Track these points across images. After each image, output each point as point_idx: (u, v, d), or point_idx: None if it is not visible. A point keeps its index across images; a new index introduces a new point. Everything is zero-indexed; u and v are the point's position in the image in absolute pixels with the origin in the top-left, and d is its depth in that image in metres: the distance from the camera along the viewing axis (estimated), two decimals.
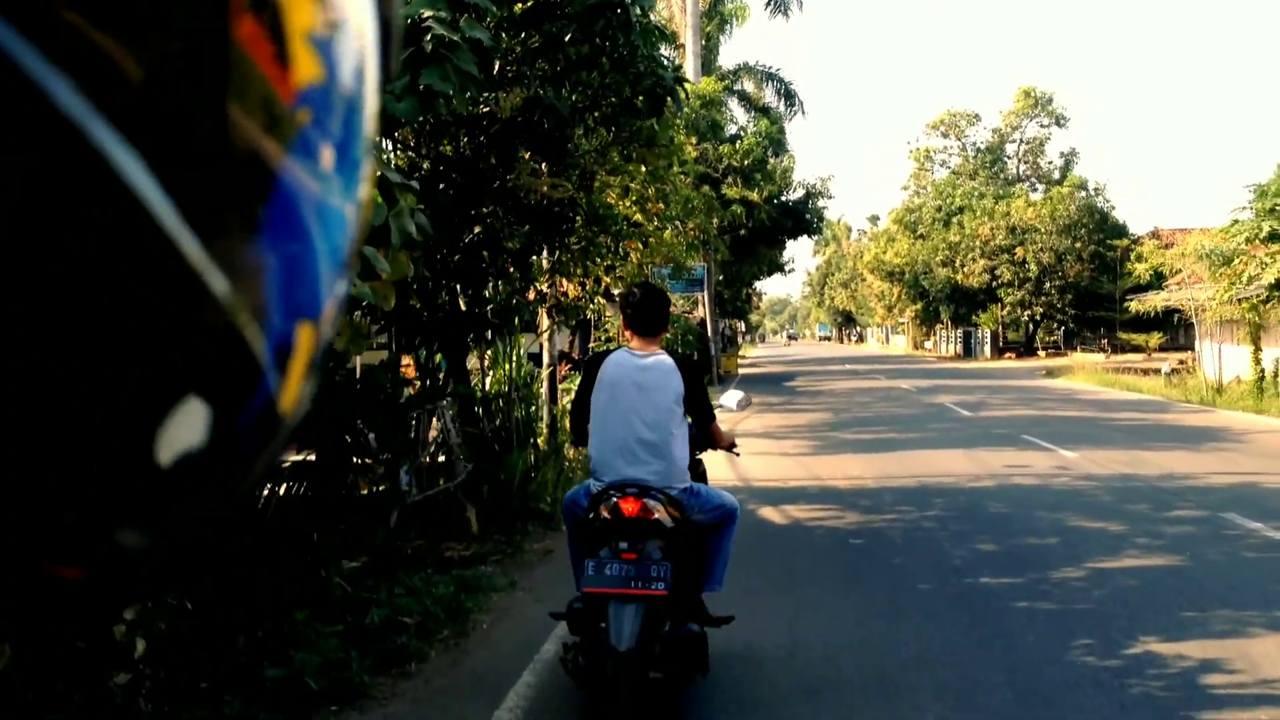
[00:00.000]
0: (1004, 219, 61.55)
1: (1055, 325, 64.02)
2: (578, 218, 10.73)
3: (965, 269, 62.21)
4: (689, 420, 5.47)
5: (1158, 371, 37.56)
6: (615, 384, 5.28)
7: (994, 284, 61.48)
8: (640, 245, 14.73)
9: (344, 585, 7.16)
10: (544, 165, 10.31)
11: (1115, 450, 16.65)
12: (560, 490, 11.64)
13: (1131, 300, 44.01)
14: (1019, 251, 60.12)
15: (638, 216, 13.51)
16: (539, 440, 13.30)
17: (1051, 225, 59.99)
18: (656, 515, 4.97)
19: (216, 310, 0.47)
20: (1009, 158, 77.15)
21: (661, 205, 13.27)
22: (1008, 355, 62.65)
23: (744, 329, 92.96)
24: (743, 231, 38.44)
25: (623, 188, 12.81)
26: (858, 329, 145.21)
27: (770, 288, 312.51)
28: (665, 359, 5.37)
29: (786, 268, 67.20)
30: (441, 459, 11.30)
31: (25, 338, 0.41)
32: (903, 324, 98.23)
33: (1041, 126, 75.87)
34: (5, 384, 0.42)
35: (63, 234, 0.42)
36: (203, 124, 0.47)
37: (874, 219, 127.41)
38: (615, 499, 4.99)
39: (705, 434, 5.72)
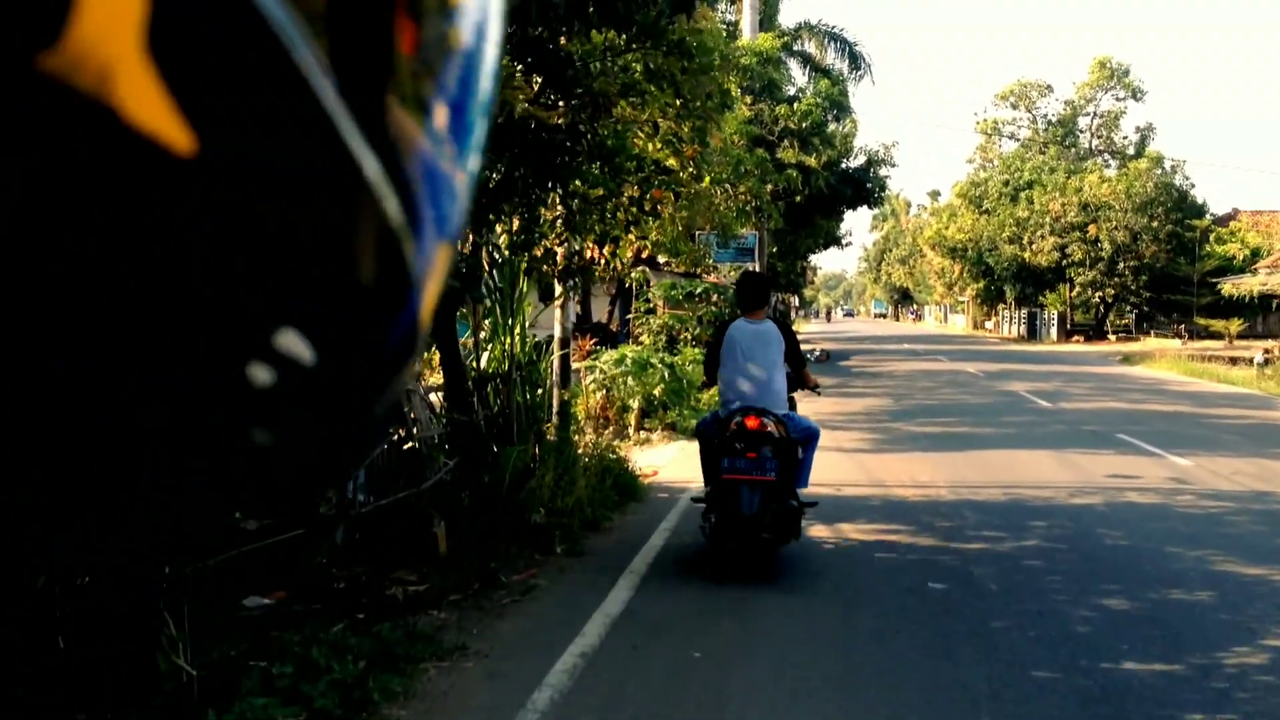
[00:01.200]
0: (1076, 195, 58.28)
1: (1128, 308, 60.70)
2: (579, 152, 8.27)
3: (1034, 246, 59.03)
4: (788, 367, 7.94)
5: (1246, 361, 34.54)
6: (738, 342, 7.82)
7: (1064, 263, 58.27)
8: (672, 197, 12.26)
9: (186, 669, 4.80)
10: (534, 80, 7.90)
11: (1234, 458, 14.01)
12: (561, 498, 9.27)
13: (1222, 283, 40.81)
14: (1091, 229, 56.87)
15: (671, 161, 11.00)
16: (546, 429, 10.93)
17: (1127, 203, 56.66)
18: (769, 429, 7.44)
19: (390, 230, 0.54)
20: (1081, 131, 73.60)
21: (698, 147, 10.73)
22: (1075, 338, 59.47)
23: (797, 304, 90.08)
24: (798, 199, 35.72)
25: (651, 123, 10.31)
26: (914, 307, 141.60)
27: (825, 262, 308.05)
28: (770, 325, 7.93)
29: (844, 241, 64.31)
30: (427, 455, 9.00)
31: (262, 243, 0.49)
32: (962, 303, 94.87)
33: (1117, 99, 72.23)
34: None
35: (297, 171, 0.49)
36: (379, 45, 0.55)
37: (935, 194, 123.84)
38: (741, 417, 7.44)
39: (799, 376, 8.28)
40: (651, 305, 26.20)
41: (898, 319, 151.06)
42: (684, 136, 10.65)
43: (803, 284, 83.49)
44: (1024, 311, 68.19)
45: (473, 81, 0.64)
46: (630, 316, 28.08)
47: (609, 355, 16.12)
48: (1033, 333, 65.18)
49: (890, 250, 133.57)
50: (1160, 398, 23.33)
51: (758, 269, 38.93)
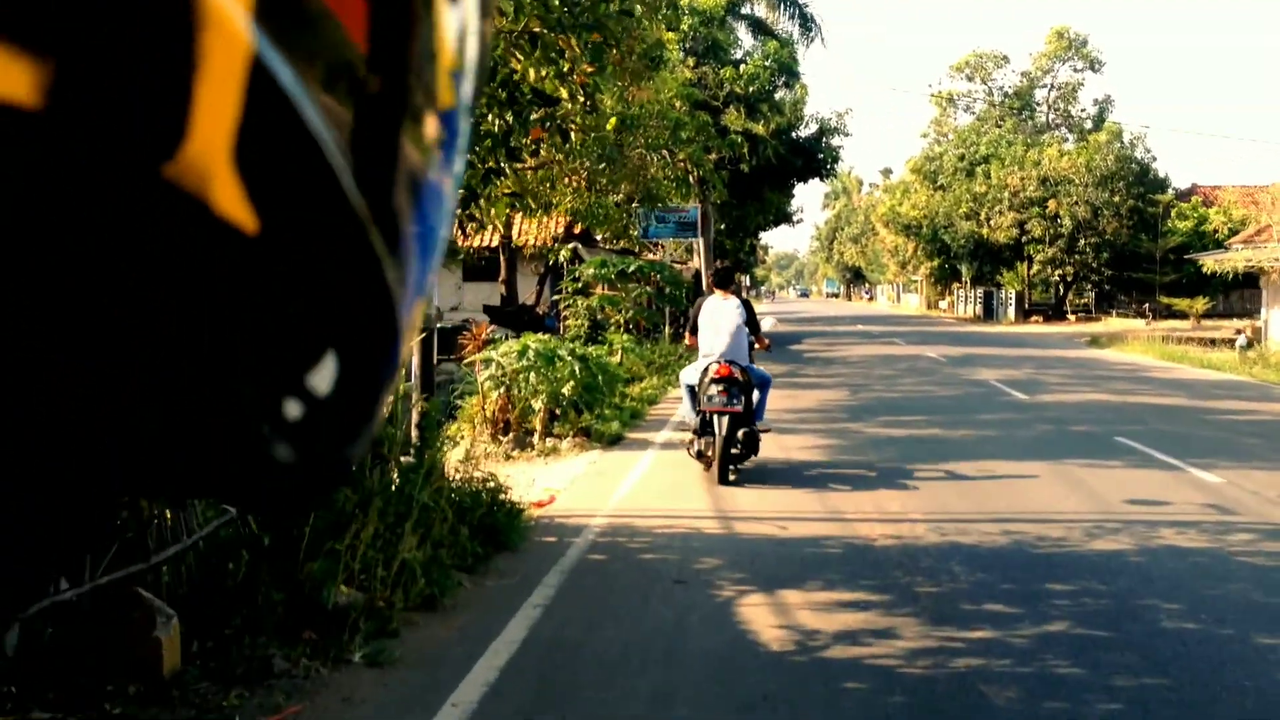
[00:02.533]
0: (1035, 169, 55.94)
1: (1088, 287, 58.54)
2: None
3: (991, 223, 56.67)
4: (748, 331, 10.99)
5: (1225, 343, 32.23)
6: (712, 311, 10.99)
7: (1023, 240, 55.96)
8: (560, 140, 9.42)
9: None
10: None
11: (1272, 471, 11.41)
12: (384, 564, 6.40)
13: (1202, 258, 38.40)
14: (1051, 205, 54.57)
15: (559, 91, 8.13)
16: (393, 453, 8.05)
17: (1087, 177, 54.39)
18: (734, 374, 10.58)
19: (388, 294, 0.66)
20: (1038, 104, 71.34)
21: (591, 67, 7.84)
22: (1034, 319, 57.24)
23: (749, 284, 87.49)
24: (745, 168, 33.01)
25: (527, 35, 7.44)
26: (867, 286, 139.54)
27: (776, 241, 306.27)
28: (735, 299, 11.10)
29: (795, 218, 61.86)
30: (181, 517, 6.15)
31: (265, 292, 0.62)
32: (915, 282, 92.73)
33: (1075, 71, 69.98)
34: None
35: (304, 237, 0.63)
36: (384, 149, 0.68)
37: (887, 172, 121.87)
38: (715, 366, 10.60)
39: (756, 336, 11.31)
40: (581, 285, 23.34)
41: (850, 298, 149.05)
42: (576, 53, 7.77)
43: (753, 263, 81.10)
44: (979, 291, 65.92)
45: (463, 89, 0.76)
46: (556, 298, 25.22)
47: (508, 346, 13.27)
48: (989, 313, 62.90)
49: (842, 229, 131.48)
50: (1147, 387, 20.80)
51: (702, 245, 36.21)
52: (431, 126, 0.72)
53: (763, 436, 11.12)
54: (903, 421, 15.54)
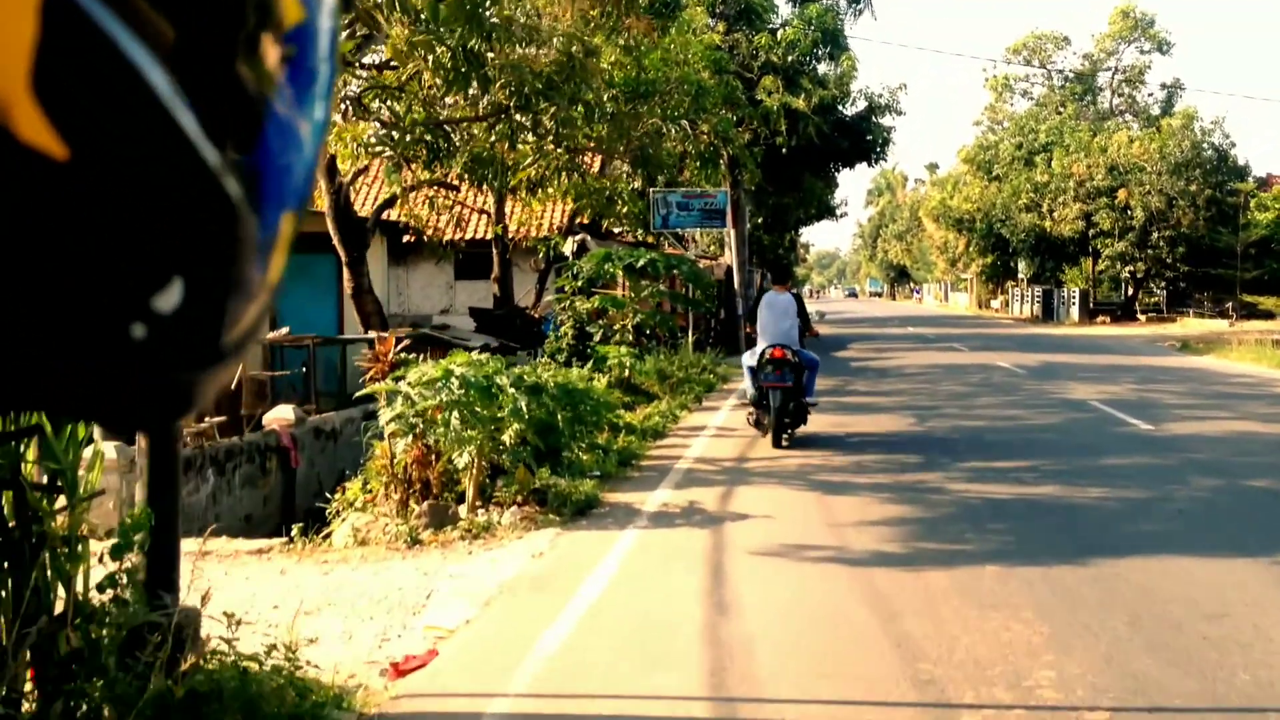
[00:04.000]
0: (1102, 156, 51.13)
1: (1161, 284, 53.58)
2: None
3: (1055, 214, 51.88)
4: (799, 320, 12.91)
5: None
6: (769, 303, 12.99)
7: (1089, 233, 51.14)
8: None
9: None
10: None
11: None
12: None
13: None
14: (1121, 195, 49.74)
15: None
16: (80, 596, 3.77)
17: (1160, 164, 49.54)
18: (787, 356, 12.39)
19: (231, 206, 0.65)
20: (1101, 89, 66.39)
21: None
22: (1100, 319, 52.39)
23: (790, 284, 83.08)
24: (781, 144, 28.60)
25: None
26: (911, 284, 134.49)
27: (817, 239, 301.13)
28: (789, 295, 13.22)
29: (838, 211, 57.23)
30: None
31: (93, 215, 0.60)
32: (965, 280, 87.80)
33: (1141, 53, 65.00)
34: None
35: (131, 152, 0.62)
36: (220, 65, 0.66)
37: (933, 167, 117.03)
38: (770, 351, 12.44)
39: (807, 327, 13.14)
40: (581, 283, 19.08)
41: (894, 298, 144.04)
42: None
43: (794, 261, 76.80)
44: (1037, 289, 60.92)
45: (314, 20, 0.73)
46: (550, 298, 20.98)
47: (420, 372, 8.95)
48: (1049, 313, 57.99)
49: (886, 226, 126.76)
50: None
51: (734, 238, 31.87)
52: (271, 50, 0.69)
53: (809, 502, 10.12)
54: (999, 470, 11.15)
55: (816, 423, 14.09)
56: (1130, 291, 54.32)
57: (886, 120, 33.17)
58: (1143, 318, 52.64)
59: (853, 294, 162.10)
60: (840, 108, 32.19)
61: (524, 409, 8.65)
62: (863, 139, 32.15)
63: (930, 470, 11.16)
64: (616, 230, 28.91)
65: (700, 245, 43.07)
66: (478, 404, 8.76)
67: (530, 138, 14.37)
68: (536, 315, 22.31)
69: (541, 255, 22.68)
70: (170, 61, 0.62)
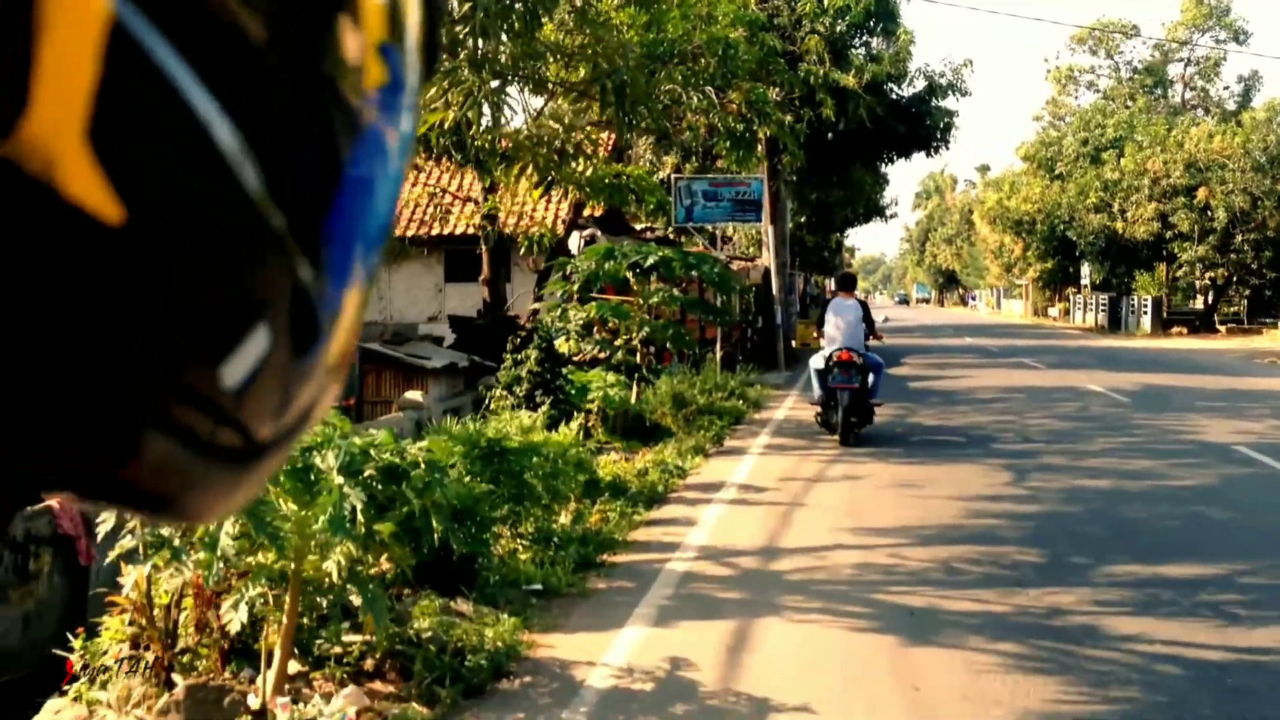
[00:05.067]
0: (1178, 151, 46.59)
1: (1244, 291, 48.85)
2: None
3: (1127, 215, 47.35)
4: (864, 325, 13.62)
5: None
6: (836, 309, 13.79)
7: (1166, 235, 46.58)
8: None
9: None
10: None
11: None
12: None
13: None
14: (1201, 193, 45.15)
15: None
16: None
17: (1244, 161, 44.96)
18: (853, 358, 13.07)
19: (295, 276, 0.56)
20: (1172, 81, 61.71)
21: None
22: (1176, 330, 47.79)
23: (833, 288, 78.75)
24: (828, 132, 24.56)
25: None
26: (960, 290, 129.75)
27: (861, 242, 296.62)
28: (855, 300, 13.99)
29: (888, 212, 53.13)
30: None
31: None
32: (1019, 286, 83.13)
33: (1216, 43, 60.22)
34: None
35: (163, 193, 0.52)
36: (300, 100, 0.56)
37: (984, 169, 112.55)
38: (837, 354, 13.10)
39: (872, 330, 13.82)
40: (576, 286, 15.19)
41: (942, 304, 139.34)
42: None
43: (838, 264, 72.79)
44: (1102, 296, 56.15)
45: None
46: (537, 305, 17.03)
47: None
48: (1116, 322, 53.35)
49: (935, 230, 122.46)
50: None
51: (772, 235, 27.80)
52: (389, 144, 0.61)
53: (879, 664, 6.35)
54: (1175, 587, 7.05)
55: (881, 477, 10.19)
56: (1209, 300, 49.67)
57: (949, 102, 29.02)
58: (1222, 329, 48.02)
59: (904, 300, 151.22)
60: (895, 88, 28.09)
61: (356, 509, 4.67)
62: (921, 123, 27.96)
63: (1062, 585, 7.10)
64: (639, 227, 25.00)
65: (738, 245, 39.04)
66: (286, 499, 4.84)
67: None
68: (530, 326, 18.37)
69: (532, 251, 18.72)
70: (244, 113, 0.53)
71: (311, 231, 0.57)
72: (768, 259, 27.57)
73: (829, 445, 13.42)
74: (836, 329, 13.55)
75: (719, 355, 20.01)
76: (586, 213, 22.20)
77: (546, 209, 22.67)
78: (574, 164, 19.03)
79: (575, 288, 15.23)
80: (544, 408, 10.34)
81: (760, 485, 10.57)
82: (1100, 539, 8.45)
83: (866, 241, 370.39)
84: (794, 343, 34.68)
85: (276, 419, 0.61)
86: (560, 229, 20.79)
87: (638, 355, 15.13)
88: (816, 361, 13.72)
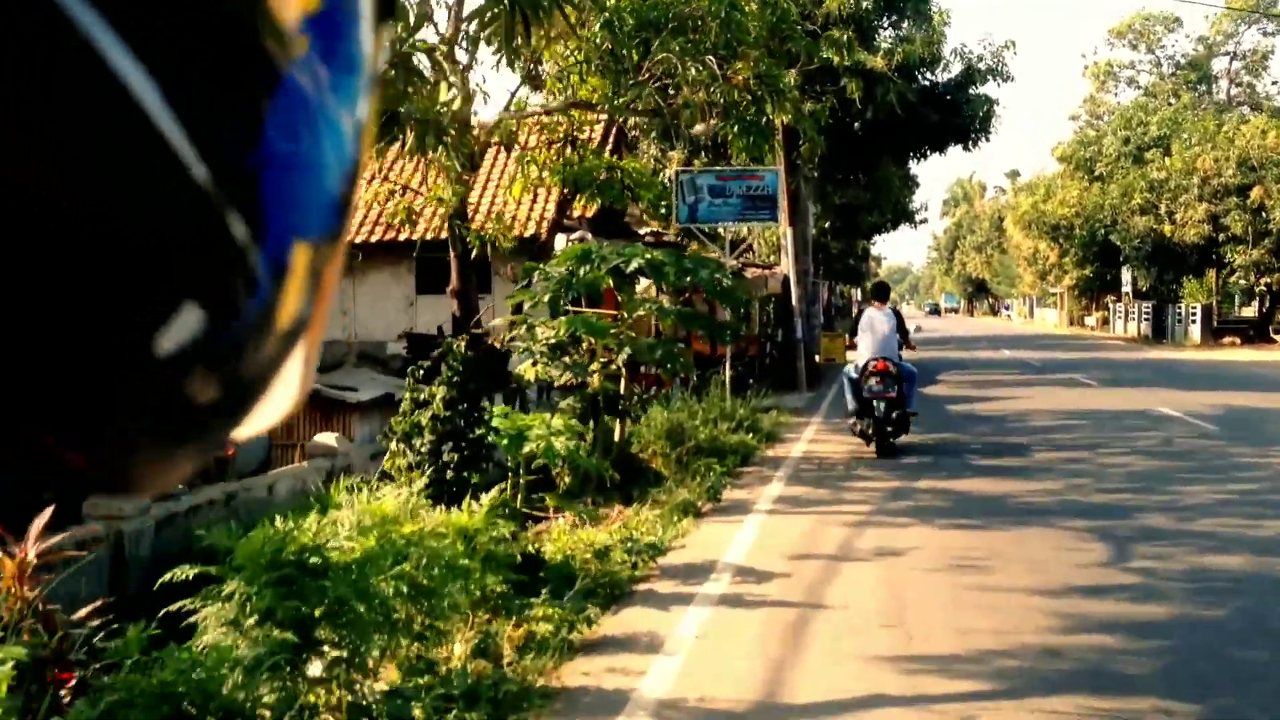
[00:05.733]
0: (1230, 148, 43.40)
1: None
2: None
3: (1176, 217, 44.13)
4: (899, 335, 13.71)
5: None
6: (870, 319, 13.76)
7: (1218, 239, 43.35)
8: None
9: None
10: None
11: None
12: None
13: None
14: (1255, 193, 41.91)
15: None
16: None
17: None
18: (889, 368, 13.18)
19: (211, 213, 0.50)
20: (1217, 77, 58.41)
21: None
22: (1228, 340, 44.55)
23: (859, 298, 75.25)
24: (854, 122, 21.67)
25: None
26: (991, 299, 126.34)
27: (887, 251, 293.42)
28: (889, 310, 14.09)
29: (918, 216, 50.14)
30: None
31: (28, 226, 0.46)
32: (1053, 295, 79.77)
33: (1264, 35, 56.89)
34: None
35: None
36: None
37: (1014, 174, 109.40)
38: (873, 363, 13.24)
39: (905, 341, 13.86)
40: (549, 294, 12.36)
41: (971, 313, 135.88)
42: None
43: (864, 273, 69.94)
44: (1145, 304, 52.77)
45: None
46: (497, 321, 14.11)
47: None
48: (1160, 332, 50.09)
49: (964, 238, 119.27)
50: None
51: (790, 239, 24.87)
52: (330, 64, 0.53)
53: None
54: None
55: (927, 550, 7.41)
56: (1263, 308, 46.38)
57: (989, 88, 26.03)
58: (1278, 338, 44.73)
59: (934, 310, 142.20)
60: (928, 74, 25.14)
61: None
62: (957, 112, 24.97)
63: None
64: (644, 231, 22.17)
65: (759, 253, 36.11)
66: None
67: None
68: (501, 344, 15.49)
69: (495, 251, 15.88)
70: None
71: (238, 173, 0.50)
72: (786, 265, 24.63)
73: (856, 495, 10.56)
74: (871, 338, 13.64)
75: (728, 377, 17.12)
76: (577, 212, 19.39)
77: (533, 208, 19.85)
78: (554, 153, 16.27)
79: (546, 298, 12.37)
80: (450, 472, 7.48)
81: (764, 569, 7.67)
82: (1276, 671, 5.54)
83: (893, 250, 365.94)
84: (818, 357, 31.84)
85: (223, 385, 0.54)
86: (544, 231, 17.99)
87: (622, 382, 12.31)
88: (850, 371, 13.94)
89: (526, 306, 12.81)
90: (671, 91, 14.65)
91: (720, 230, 19.82)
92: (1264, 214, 41.91)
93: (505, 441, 7.52)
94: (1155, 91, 56.84)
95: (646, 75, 15.13)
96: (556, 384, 11.94)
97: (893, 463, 12.91)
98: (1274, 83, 58.04)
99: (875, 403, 13.23)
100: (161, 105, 0.44)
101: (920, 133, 24.73)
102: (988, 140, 25.29)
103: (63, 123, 0.42)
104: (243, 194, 0.49)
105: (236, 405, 0.55)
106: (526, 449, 7.36)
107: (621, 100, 14.57)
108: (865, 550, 8.29)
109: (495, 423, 7.52)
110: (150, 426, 0.51)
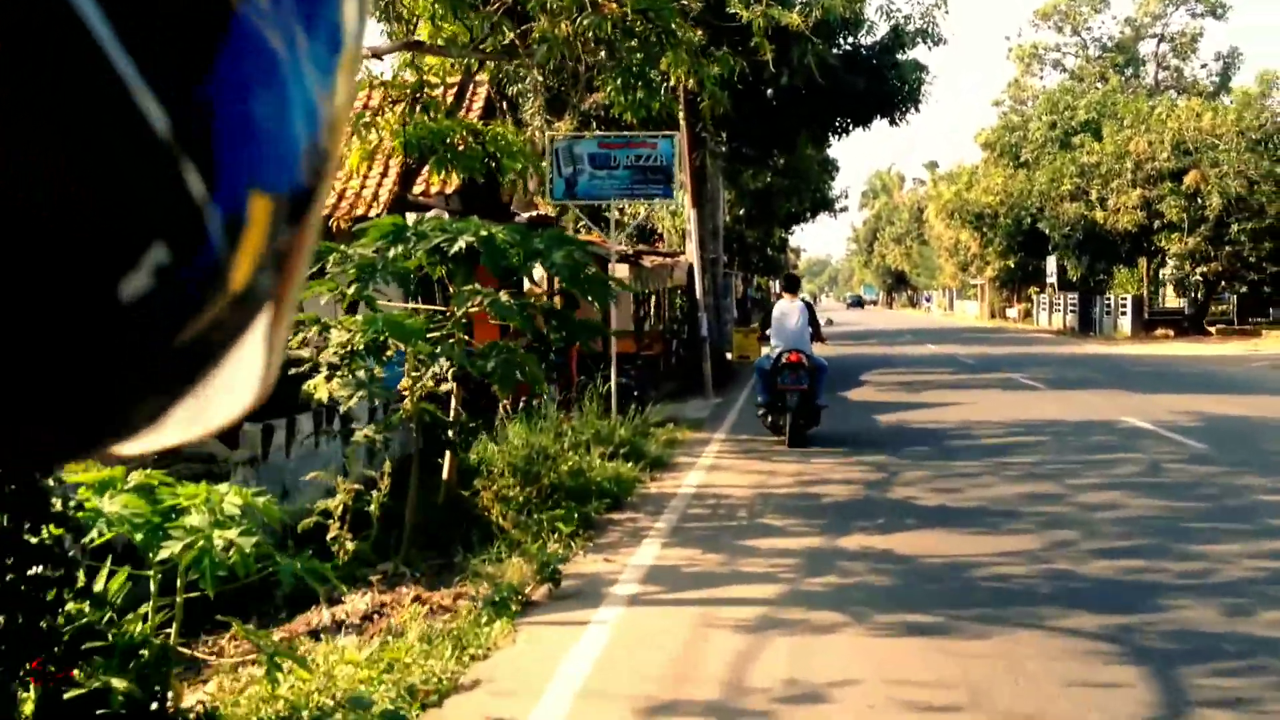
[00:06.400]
0: (1162, 130, 41.16)
1: (1237, 287, 43.45)
2: None
3: (1109, 203, 41.79)
4: (810, 327, 13.73)
5: None
6: (783, 311, 13.84)
7: (1153, 225, 41.11)
8: None
9: None
10: None
11: None
12: None
13: None
14: (1190, 178, 39.69)
15: None
16: None
17: (1238, 140, 39.67)
18: (801, 360, 13.10)
19: (159, 152, 0.47)
20: (1144, 60, 56.40)
21: None
22: (1161, 332, 42.41)
23: (777, 290, 72.51)
24: (767, 88, 18.66)
25: None
26: (910, 291, 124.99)
27: (807, 243, 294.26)
28: (800, 302, 13.98)
29: (837, 204, 47.51)
30: None
31: None
32: (974, 286, 77.86)
33: (1192, 17, 55.04)
34: None
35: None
36: None
37: (932, 165, 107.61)
38: (786, 355, 13.16)
39: (817, 333, 13.94)
40: (338, 287, 9.11)
41: (890, 305, 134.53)
42: None
43: (783, 264, 67.34)
44: (1070, 296, 50.49)
45: None
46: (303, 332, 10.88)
47: None
48: (1087, 323, 47.92)
49: (883, 229, 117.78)
50: None
51: (694, 222, 21.74)
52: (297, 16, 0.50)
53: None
54: None
55: (865, 675, 4.25)
56: (1197, 298, 44.32)
57: (919, 53, 23.08)
58: (1212, 330, 42.69)
59: (857, 302, 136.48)
60: (850, 37, 22.17)
61: None
62: (884, 78, 21.99)
63: None
64: (530, 215, 18.94)
65: (669, 241, 32.99)
66: None
67: None
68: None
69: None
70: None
71: (189, 111, 0.46)
72: (690, 250, 21.52)
73: (760, 565, 7.51)
74: (782, 331, 13.67)
75: (612, 387, 14.00)
76: (435, 187, 16.16)
77: (381, 183, 16.60)
78: (400, 114, 13.17)
79: (349, 289, 9.11)
80: None
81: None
82: None
83: (813, 242, 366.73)
84: (730, 355, 28.89)
85: (173, 344, 0.49)
86: (384, 210, 14.76)
87: (452, 401, 9.20)
88: (763, 362, 13.87)
89: (323, 300, 9.62)
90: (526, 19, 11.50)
91: (606, 209, 16.62)
92: (1199, 200, 39.71)
93: (139, 537, 4.31)
94: (1082, 75, 54.69)
95: (496, 4, 12.00)
96: (345, 405, 8.71)
97: (813, 504, 9.85)
98: (1203, 66, 55.95)
99: (788, 395, 13.30)
100: (109, 31, 0.42)
101: (842, 102, 21.68)
102: (917, 111, 22.28)
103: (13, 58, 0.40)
104: (194, 132, 0.46)
105: (191, 368, 0.49)
106: (166, 553, 4.17)
107: (463, 36, 11.41)
108: (768, 689, 5.18)
109: (108, 504, 4.26)
110: (110, 376, 0.46)
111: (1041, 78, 56.82)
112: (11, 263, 0.41)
